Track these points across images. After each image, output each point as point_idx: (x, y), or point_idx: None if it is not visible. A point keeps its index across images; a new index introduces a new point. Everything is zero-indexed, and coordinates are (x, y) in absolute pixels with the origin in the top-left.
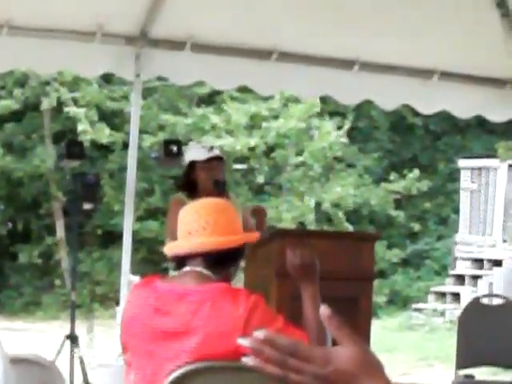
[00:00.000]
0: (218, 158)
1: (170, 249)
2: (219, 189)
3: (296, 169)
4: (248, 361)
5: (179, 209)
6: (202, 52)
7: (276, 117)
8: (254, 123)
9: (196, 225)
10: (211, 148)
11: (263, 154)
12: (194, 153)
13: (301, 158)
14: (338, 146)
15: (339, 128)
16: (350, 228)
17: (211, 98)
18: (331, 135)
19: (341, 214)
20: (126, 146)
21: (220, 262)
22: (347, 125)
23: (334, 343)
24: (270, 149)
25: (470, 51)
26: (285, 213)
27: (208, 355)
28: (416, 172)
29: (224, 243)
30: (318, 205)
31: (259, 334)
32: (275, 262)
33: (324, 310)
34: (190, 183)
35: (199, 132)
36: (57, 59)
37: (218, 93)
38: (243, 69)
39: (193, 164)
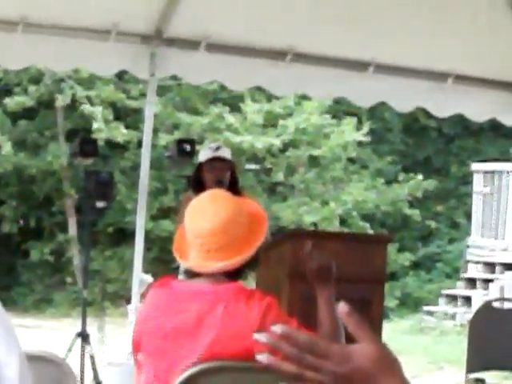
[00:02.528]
0: (221, 159)
1: (187, 263)
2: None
3: (310, 170)
4: (263, 358)
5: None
6: (216, 52)
7: (290, 114)
8: (269, 122)
9: (212, 241)
10: (217, 148)
11: (280, 153)
12: (202, 153)
13: (316, 156)
14: (353, 147)
15: (357, 129)
16: (368, 229)
17: (226, 97)
18: (348, 135)
19: (356, 216)
20: (140, 144)
21: (237, 271)
22: (366, 126)
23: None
24: (285, 147)
25: (485, 54)
26: (306, 215)
27: (220, 355)
28: (430, 178)
29: (243, 259)
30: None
31: (277, 328)
32: (288, 263)
33: (343, 308)
34: (198, 183)
35: (215, 131)
36: (72, 57)
37: (231, 91)
38: (258, 69)
39: (200, 164)
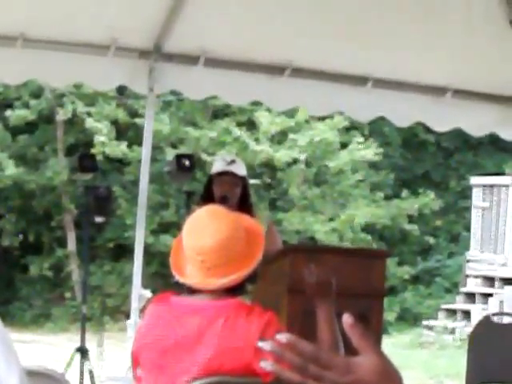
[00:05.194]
0: (230, 174)
1: (188, 280)
2: (224, 205)
3: (315, 185)
4: (267, 365)
5: None
6: (215, 67)
7: (298, 130)
8: (279, 134)
9: (214, 258)
10: (231, 162)
11: (287, 167)
12: (214, 164)
13: (323, 172)
14: (362, 166)
15: (360, 143)
16: (370, 242)
17: (233, 111)
18: (357, 154)
19: (357, 230)
20: None
21: (237, 286)
22: (373, 147)
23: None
24: (294, 162)
25: (484, 69)
26: (308, 230)
27: (219, 370)
28: (430, 193)
29: (244, 275)
30: (332, 220)
31: (282, 337)
32: (287, 278)
33: (347, 319)
34: (208, 196)
35: (220, 145)
36: (70, 72)
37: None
38: (256, 84)
39: (210, 176)
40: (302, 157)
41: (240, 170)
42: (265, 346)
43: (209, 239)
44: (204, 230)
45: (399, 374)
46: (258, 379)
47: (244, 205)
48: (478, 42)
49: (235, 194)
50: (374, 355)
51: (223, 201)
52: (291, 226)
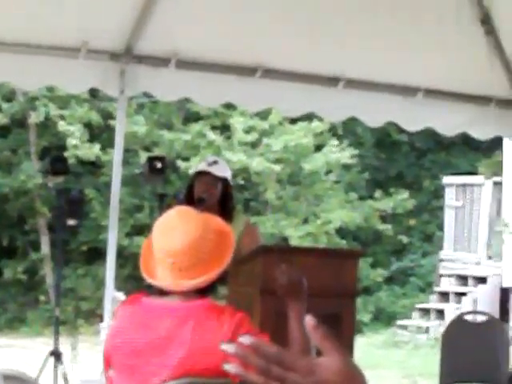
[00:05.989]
0: (208, 173)
1: (159, 283)
2: (199, 206)
3: (290, 187)
4: (230, 368)
5: None
6: (186, 69)
7: (272, 133)
8: (254, 140)
9: (184, 260)
10: (213, 162)
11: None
12: (198, 164)
13: (297, 174)
14: (338, 168)
15: (334, 146)
16: (344, 245)
17: (207, 114)
18: (332, 157)
19: (330, 231)
20: None
21: (208, 287)
22: (348, 150)
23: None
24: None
25: (455, 68)
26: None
27: (190, 371)
28: (403, 192)
29: (215, 276)
30: (306, 223)
31: (245, 339)
32: (259, 279)
33: (309, 321)
34: (189, 195)
35: (195, 149)
36: (42, 75)
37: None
38: (228, 85)
39: (193, 176)
40: (277, 165)
41: (220, 171)
42: (228, 348)
43: (178, 241)
44: (173, 232)
45: (362, 374)
46: (228, 380)
47: (224, 206)
48: (450, 41)
49: (213, 195)
50: (337, 356)
51: (200, 202)
52: (265, 229)
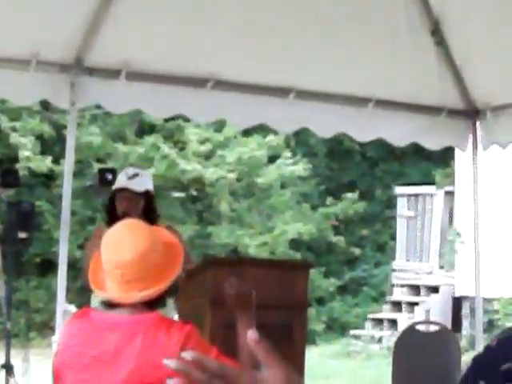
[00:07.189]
0: (128, 190)
1: (106, 295)
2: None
3: (244, 198)
4: (174, 383)
5: (100, 240)
6: (137, 80)
7: (226, 146)
8: (208, 151)
9: (132, 272)
10: (134, 175)
11: (215, 182)
12: (118, 178)
13: (252, 186)
14: (292, 181)
15: (288, 158)
16: (296, 256)
17: (161, 126)
18: (286, 169)
19: (283, 242)
20: None
21: (157, 299)
22: (301, 162)
23: None
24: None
25: (405, 79)
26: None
27: None
28: (353, 194)
29: (163, 288)
30: (261, 234)
31: (187, 354)
32: (209, 291)
33: (251, 335)
34: (112, 211)
35: (149, 161)
36: None
37: (167, 121)
38: (179, 97)
39: (112, 192)
40: (231, 174)
41: (140, 185)
42: (171, 364)
43: (127, 253)
44: (122, 244)
45: None
46: None
47: (149, 218)
48: (400, 52)
49: (136, 210)
50: (279, 369)
51: (124, 217)
52: (219, 240)
